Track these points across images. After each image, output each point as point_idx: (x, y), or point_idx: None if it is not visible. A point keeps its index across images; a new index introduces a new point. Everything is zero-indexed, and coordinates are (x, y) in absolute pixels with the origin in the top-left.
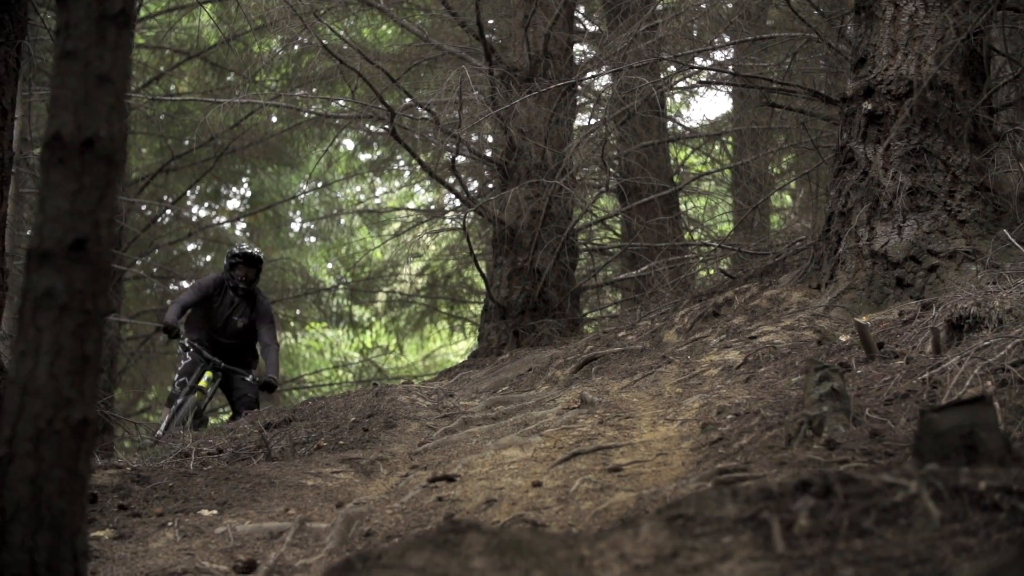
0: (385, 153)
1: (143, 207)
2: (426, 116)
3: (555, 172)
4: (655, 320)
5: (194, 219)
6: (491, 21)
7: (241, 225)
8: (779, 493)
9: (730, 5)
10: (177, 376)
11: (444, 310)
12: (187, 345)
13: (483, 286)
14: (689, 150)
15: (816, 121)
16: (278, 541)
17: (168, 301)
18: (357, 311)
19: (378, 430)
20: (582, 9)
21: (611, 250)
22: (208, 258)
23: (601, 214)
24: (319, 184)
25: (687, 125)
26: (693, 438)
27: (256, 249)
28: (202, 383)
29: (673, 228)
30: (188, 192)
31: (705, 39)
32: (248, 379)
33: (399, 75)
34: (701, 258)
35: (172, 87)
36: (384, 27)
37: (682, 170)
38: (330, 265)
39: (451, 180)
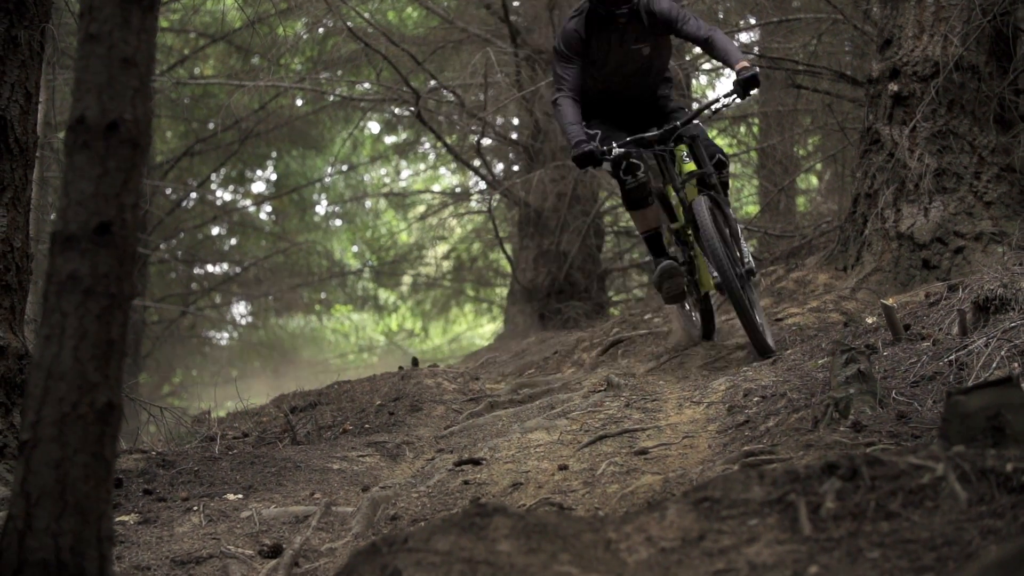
0: (410, 136)
1: (168, 191)
2: (451, 99)
3: None
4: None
5: (219, 203)
6: (516, 3)
7: (266, 208)
8: (805, 476)
9: None
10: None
11: (470, 293)
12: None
13: (509, 269)
14: (715, 132)
15: (842, 103)
16: (304, 525)
17: (193, 286)
18: (383, 294)
19: (404, 414)
20: None
21: (637, 232)
22: (233, 242)
23: None
24: (344, 167)
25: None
26: (719, 421)
27: None
28: (687, 168)
29: None
30: (212, 176)
31: (731, 21)
32: (716, 107)
33: (424, 58)
34: None
35: (197, 70)
36: (409, 9)
37: None
38: (355, 248)
39: (476, 163)
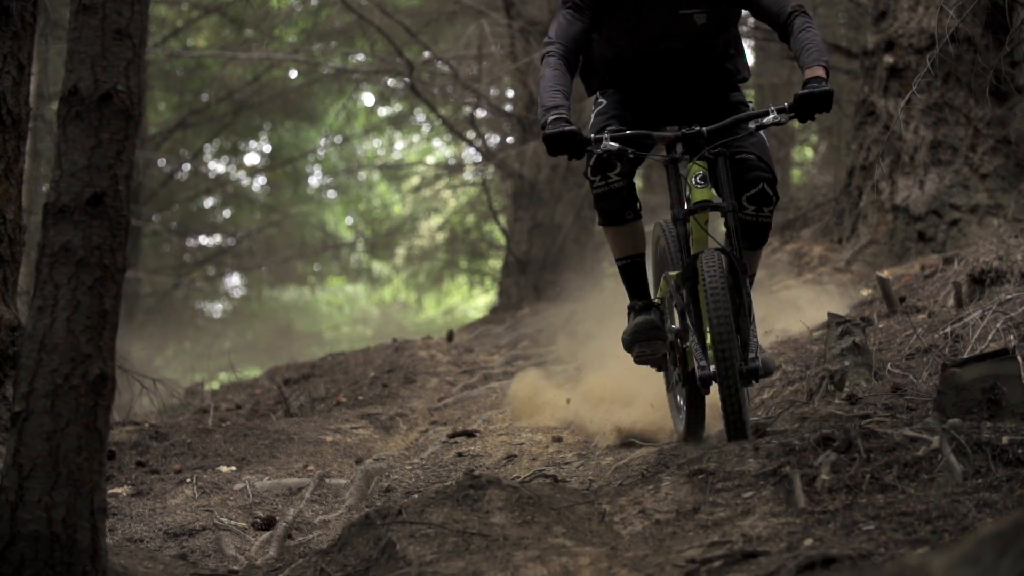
0: (404, 108)
1: (161, 162)
2: (445, 70)
3: None
4: None
5: (212, 175)
6: None
7: (260, 181)
8: (800, 448)
9: None
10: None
11: (463, 265)
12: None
13: (503, 241)
14: None
15: (837, 75)
16: (297, 497)
17: (186, 258)
18: (376, 266)
19: (397, 386)
20: None
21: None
22: (226, 214)
23: None
24: (338, 139)
25: (761, 121)
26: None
27: None
28: (697, 197)
29: None
30: (207, 147)
31: None
32: (752, 126)
33: (418, 29)
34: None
35: (190, 42)
36: None
37: None
38: (349, 220)
39: (470, 135)
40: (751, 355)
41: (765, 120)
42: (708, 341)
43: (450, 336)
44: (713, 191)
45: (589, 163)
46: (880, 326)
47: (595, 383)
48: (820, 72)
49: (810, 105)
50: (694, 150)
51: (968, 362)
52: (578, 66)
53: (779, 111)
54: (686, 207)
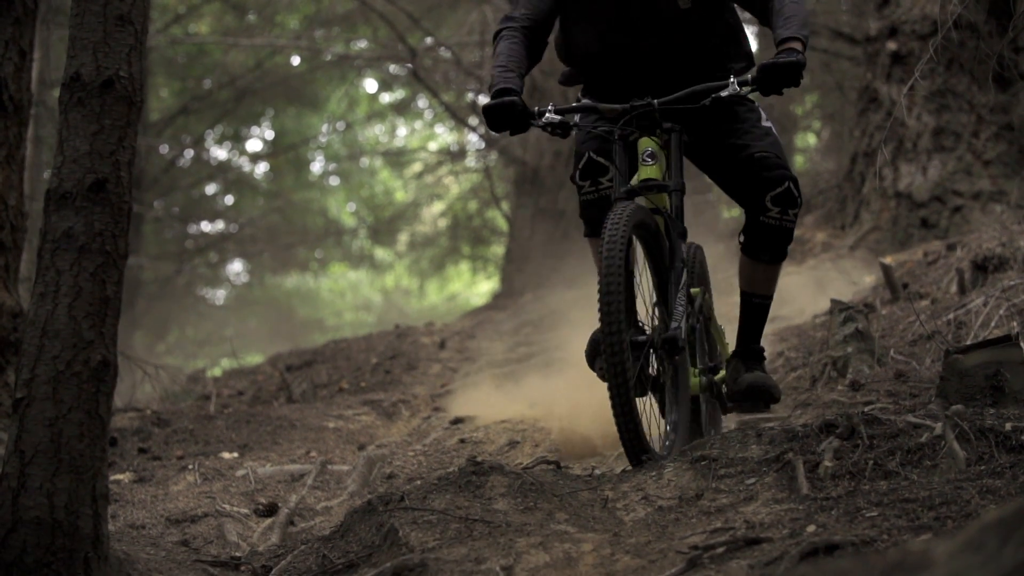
0: (407, 94)
1: (163, 149)
2: (448, 57)
3: None
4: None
5: (214, 162)
6: None
7: (261, 167)
8: (803, 435)
9: None
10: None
11: (466, 252)
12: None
13: (505, 227)
14: None
15: (840, 61)
16: (299, 484)
17: (188, 244)
18: (379, 253)
19: (400, 372)
20: None
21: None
22: (228, 200)
23: None
24: (341, 125)
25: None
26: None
27: None
28: (643, 175)
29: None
30: (209, 134)
31: None
32: (732, 91)
33: (421, 15)
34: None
35: (192, 28)
36: None
37: None
38: (352, 206)
39: (473, 121)
40: (672, 324)
41: (723, 92)
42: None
43: (442, 345)
44: (661, 170)
45: (578, 167)
46: (883, 312)
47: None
48: (794, 44)
49: (775, 77)
50: (648, 126)
51: (971, 348)
52: (541, 45)
53: (740, 83)
54: (632, 185)
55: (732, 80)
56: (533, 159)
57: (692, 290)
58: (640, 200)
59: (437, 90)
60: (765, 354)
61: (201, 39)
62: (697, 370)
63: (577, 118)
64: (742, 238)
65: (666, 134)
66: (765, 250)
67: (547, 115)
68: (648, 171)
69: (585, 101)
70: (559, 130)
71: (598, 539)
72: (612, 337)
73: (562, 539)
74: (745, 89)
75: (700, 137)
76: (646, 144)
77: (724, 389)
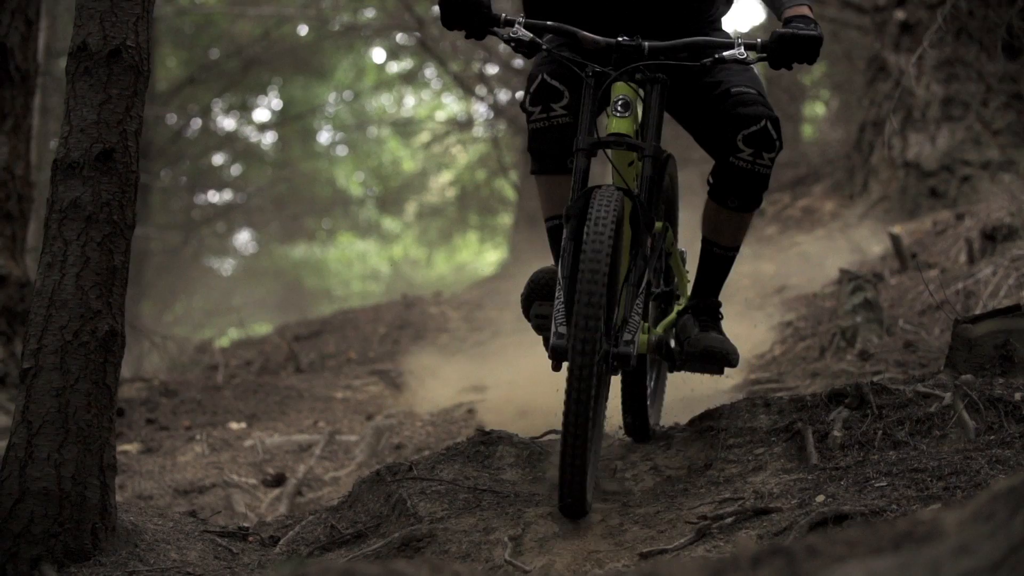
0: (414, 64)
1: (170, 118)
2: None
3: None
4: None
5: (222, 133)
6: None
7: (268, 138)
8: (812, 404)
9: None
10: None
11: (474, 221)
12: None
13: (514, 197)
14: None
15: (848, 30)
16: (307, 454)
17: (196, 214)
18: (386, 223)
19: (408, 342)
20: None
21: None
22: (235, 170)
23: None
24: (348, 95)
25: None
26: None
27: None
28: (612, 127)
29: None
30: (217, 103)
31: None
32: (736, 54)
33: None
34: None
35: None
36: None
37: None
38: (360, 176)
39: (481, 90)
40: (625, 336)
41: (726, 53)
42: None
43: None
44: (634, 125)
45: (529, 91)
46: (892, 282)
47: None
48: (805, 10)
49: (790, 49)
50: (628, 70)
51: (980, 318)
52: None
53: (748, 46)
54: (595, 137)
55: (739, 41)
56: None
57: (656, 224)
58: (616, 157)
59: (445, 60)
60: (723, 311)
61: (208, 8)
62: (646, 325)
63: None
64: (711, 179)
65: (648, 84)
66: (734, 195)
67: (516, 27)
68: (619, 123)
69: (564, 25)
70: (524, 49)
71: (607, 509)
72: (584, 345)
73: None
74: (751, 55)
75: (668, 74)
76: (621, 90)
77: (673, 345)
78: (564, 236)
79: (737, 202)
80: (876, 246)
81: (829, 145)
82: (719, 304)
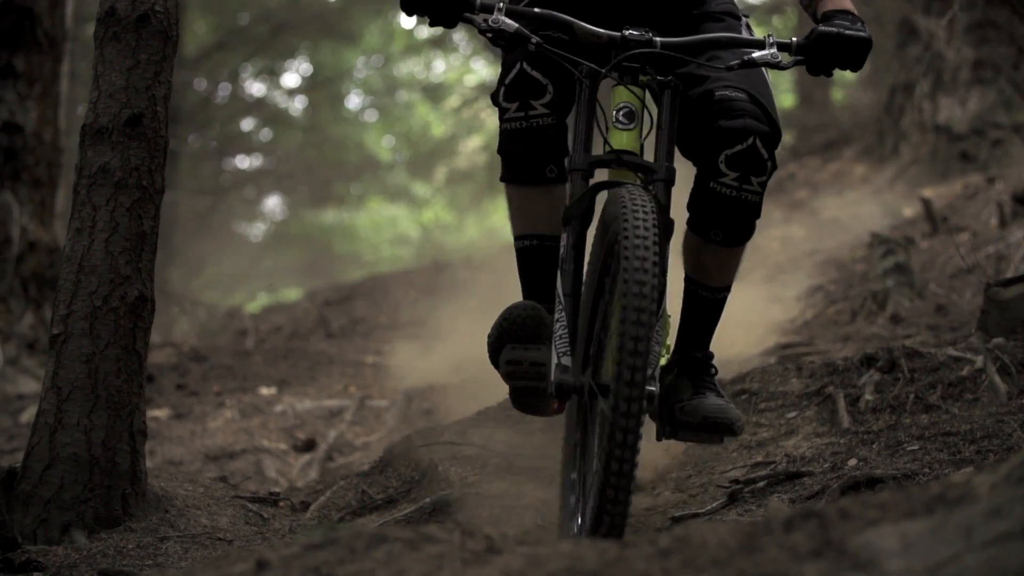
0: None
1: (198, 83)
2: None
3: None
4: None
5: (250, 99)
6: None
7: (298, 103)
8: (844, 368)
9: None
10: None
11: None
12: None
13: None
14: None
15: None
16: (338, 419)
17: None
18: (416, 188)
19: (438, 307)
20: None
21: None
22: (265, 135)
23: None
24: (378, 59)
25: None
26: (757, 312)
27: None
28: (616, 141)
29: None
30: (246, 68)
31: None
32: (735, 61)
33: None
34: None
35: None
36: None
37: None
38: (389, 140)
39: None
40: (648, 371)
41: (756, 54)
42: (587, 328)
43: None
44: (638, 139)
45: (504, 82)
46: (923, 246)
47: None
48: (847, 4)
49: (835, 52)
50: (631, 70)
51: (1012, 281)
52: None
53: (781, 46)
54: (592, 154)
55: (771, 40)
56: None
57: None
58: (608, 178)
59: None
60: (715, 361)
61: None
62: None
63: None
64: (690, 208)
65: (658, 88)
66: (717, 227)
67: (495, 15)
68: (622, 138)
69: (556, 14)
70: (504, 42)
71: (640, 473)
72: (633, 389)
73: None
74: (785, 58)
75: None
76: (624, 97)
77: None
78: (564, 244)
79: (722, 235)
80: (907, 210)
81: (859, 109)
82: (711, 357)
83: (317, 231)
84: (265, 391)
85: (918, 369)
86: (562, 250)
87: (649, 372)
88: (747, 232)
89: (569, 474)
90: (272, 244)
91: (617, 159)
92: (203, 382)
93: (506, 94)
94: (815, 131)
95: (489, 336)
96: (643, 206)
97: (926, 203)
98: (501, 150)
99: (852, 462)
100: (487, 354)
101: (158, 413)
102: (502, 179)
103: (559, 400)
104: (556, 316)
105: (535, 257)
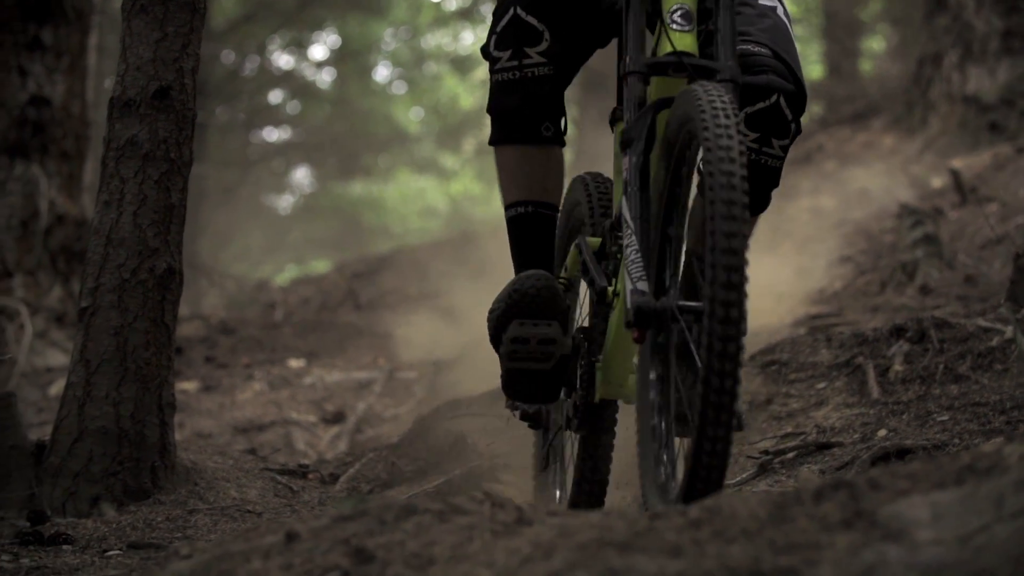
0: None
1: (226, 56)
2: None
3: None
4: None
5: (278, 72)
6: None
7: (325, 76)
8: (874, 339)
9: None
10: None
11: None
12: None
13: (574, 134)
14: None
15: None
16: (367, 391)
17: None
18: (444, 159)
19: (467, 278)
20: None
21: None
22: (293, 107)
23: None
24: (406, 31)
25: None
26: (786, 283)
27: None
28: (676, 43)
29: None
30: (274, 40)
31: None
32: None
33: None
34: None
35: None
36: None
37: None
38: (417, 112)
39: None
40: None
41: None
42: (659, 251)
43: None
44: (695, 41)
45: (495, 30)
46: (952, 217)
47: None
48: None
49: None
50: None
51: None
52: None
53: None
54: (652, 57)
55: None
56: (601, 64)
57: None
58: (661, 88)
59: None
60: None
61: None
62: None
63: None
64: (700, 170)
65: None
66: None
67: None
68: (682, 39)
69: None
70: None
71: None
72: (729, 308)
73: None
74: None
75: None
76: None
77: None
78: (627, 167)
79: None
80: (936, 180)
81: (888, 80)
82: None
83: (345, 203)
84: (294, 363)
85: (947, 340)
86: (625, 173)
87: (745, 277)
88: (763, 202)
89: (649, 424)
90: (300, 216)
91: (678, 61)
92: (232, 354)
93: (497, 42)
94: (843, 102)
95: (492, 311)
96: (719, 97)
97: (955, 174)
98: (491, 107)
99: (882, 433)
100: (488, 332)
101: (187, 386)
102: (491, 142)
103: (639, 328)
104: (625, 242)
105: (530, 227)
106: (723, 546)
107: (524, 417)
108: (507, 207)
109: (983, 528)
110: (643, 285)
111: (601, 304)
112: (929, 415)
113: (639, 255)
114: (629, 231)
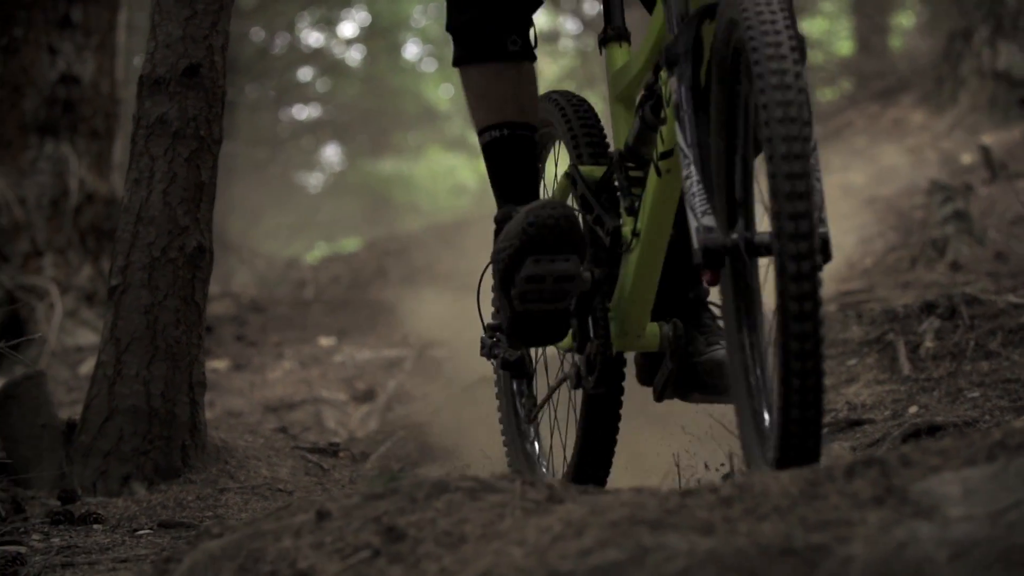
0: None
1: (256, 34)
2: None
3: None
4: None
5: (307, 50)
6: None
7: (355, 54)
8: (904, 315)
9: None
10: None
11: None
12: None
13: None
14: None
15: None
16: (397, 369)
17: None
18: (474, 137)
19: None
20: None
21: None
22: (322, 85)
23: None
24: (435, 8)
25: None
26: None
27: None
28: None
29: None
30: (303, 17)
31: None
32: None
33: None
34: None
35: None
36: None
37: None
38: (448, 89)
39: (568, 3)
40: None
41: None
42: (725, 178)
43: None
44: None
45: None
46: (982, 193)
47: None
48: None
49: None
50: None
51: None
52: None
53: None
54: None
55: None
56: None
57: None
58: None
59: None
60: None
61: None
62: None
63: None
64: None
65: None
66: None
67: None
68: None
69: None
70: None
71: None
72: (803, 235)
73: (664, 422)
74: None
75: None
76: None
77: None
78: (677, 89)
79: None
80: (966, 157)
81: (918, 56)
82: (706, 293)
83: (375, 181)
84: (324, 341)
85: (978, 316)
86: (675, 95)
87: (816, 209)
88: None
89: (745, 381)
90: (330, 194)
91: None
92: (262, 333)
93: None
94: (873, 78)
95: (502, 250)
96: (768, 4)
97: (985, 150)
98: (449, 24)
99: (913, 409)
100: (495, 276)
101: (217, 364)
102: (455, 63)
103: (710, 269)
104: (684, 174)
105: (509, 151)
106: (755, 523)
107: (505, 366)
108: (480, 132)
109: (1015, 504)
110: (708, 220)
111: (615, 246)
112: (960, 392)
113: (700, 187)
114: (687, 161)
